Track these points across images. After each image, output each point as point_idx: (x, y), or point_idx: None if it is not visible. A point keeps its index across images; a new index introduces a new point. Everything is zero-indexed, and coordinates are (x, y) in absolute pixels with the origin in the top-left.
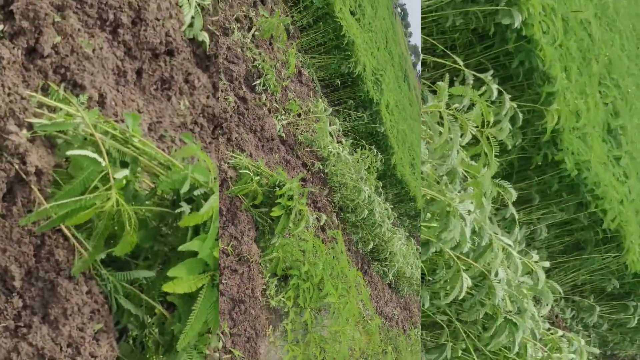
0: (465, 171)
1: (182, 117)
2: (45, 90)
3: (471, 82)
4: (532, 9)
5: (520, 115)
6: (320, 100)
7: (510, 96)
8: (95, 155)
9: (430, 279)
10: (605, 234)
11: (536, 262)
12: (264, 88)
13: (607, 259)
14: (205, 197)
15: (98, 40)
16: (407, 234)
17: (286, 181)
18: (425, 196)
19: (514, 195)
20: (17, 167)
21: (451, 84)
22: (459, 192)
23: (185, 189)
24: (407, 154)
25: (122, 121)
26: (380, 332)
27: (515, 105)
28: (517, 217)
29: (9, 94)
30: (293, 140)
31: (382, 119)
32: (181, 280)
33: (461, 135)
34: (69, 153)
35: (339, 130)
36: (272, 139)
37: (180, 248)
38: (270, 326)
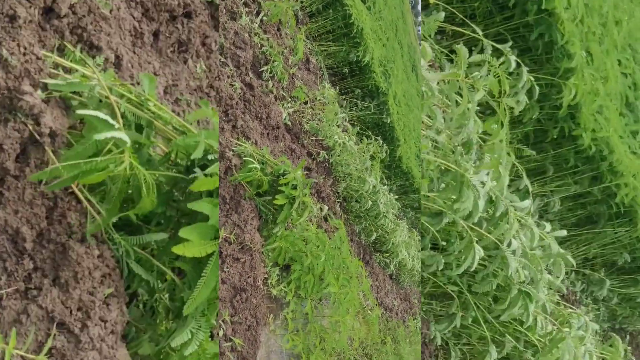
0: (482, 140)
1: (198, 80)
2: (61, 51)
3: (490, 52)
4: None
5: (537, 88)
6: (327, 88)
7: (528, 69)
8: (108, 117)
9: (444, 245)
10: (619, 208)
11: (548, 232)
12: (271, 75)
13: (620, 232)
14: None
15: (116, 0)
16: (410, 225)
17: (290, 170)
18: (439, 166)
19: (533, 153)
20: (31, 127)
21: (469, 53)
22: (474, 163)
23: (198, 154)
24: (413, 146)
25: (138, 83)
26: (380, 323)
27: (533, 78)
28: (530, 188)
29: (24, 54)
30: (299, 129)
31: (390, 109)
32: (192, 244)
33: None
34: (80, 112)
35: (345, 119)
36: (277, 127)
37: (190, 205)
38: (271, 315)
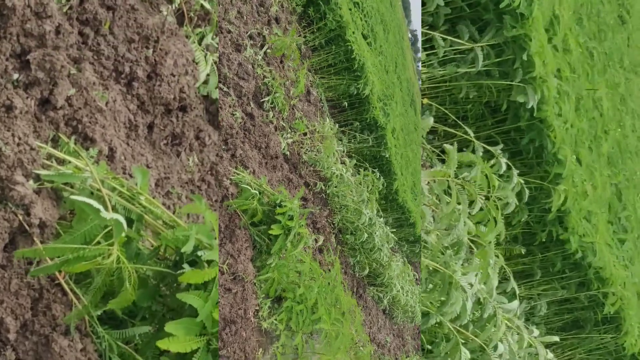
0: (471, 241)
1: (190, 173)
2: (55, 142)
3: (481, 153)
4: (546, 90)
5: (527, 191)
6: (327, 119)
7: (518, 171)
8: (100, 207)
9: (429, 348)
10: (605, 314)
11: (536, 337)
12: (272, 105)
13: (605, 339)
14: (209, 259)
15: (112, 92)
16: (405, 259)
17: (287, 201)
18: (428, 266)
19: (523, 250)
20: (21, 218)
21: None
22: (463, 263)
23: (188, 249)
24: (409, 179)
25: (131, 175)
26: None
27: (523, 181)
28: (518, 291)
29: (18, 144)
30: (297, 159)
31: (387, 143)
32: (177, 339)
33: (470, 204)
34: (73, 198)
35: (344, 151)
36: (276, 156)
37: (179, 295)
38: (260, 349)
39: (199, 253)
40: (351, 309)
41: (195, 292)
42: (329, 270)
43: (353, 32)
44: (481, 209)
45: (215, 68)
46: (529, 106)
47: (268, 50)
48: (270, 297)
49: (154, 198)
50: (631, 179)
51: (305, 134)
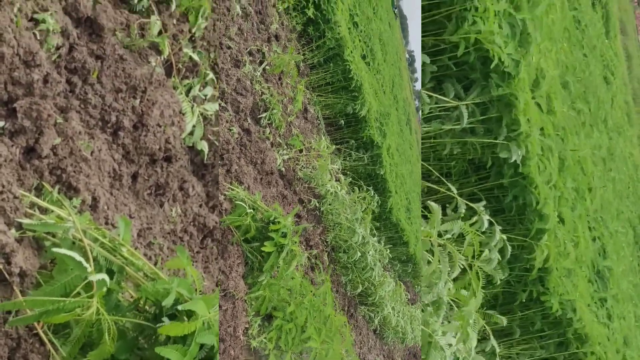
0: (452, 300)
1: (173, 224)
2: (39, 190)
3: (463, 210)
4: (530, 146)
5: (510, 248)
6: (323, 137)
7: (500, 228)
8: (82, 259)
9: None
10: None
11: None
12: (269, 122)
13: None
14: (189, 313)
15: (97, 142)
16: (397, 279)
17: (281, 217)
18: None
19: (504, 320)
20: (1, 266)
21: (443, 211)
22: (443, 322)
23: (168, 302)
24: (403, 198)
25: (113, 225)
26: None
27: (505, 238)
28: (497, 350)
29: (1, 192)
30: (292, 176)
31: (383, 162)
32: None
33: (450, 268)
34: (55, 250)
35: (339, 169)
36: (271, 172)
37: (157, 349)
38: None
39: (179, 307)
40: (341, 328)
41: (174, 345)
42: (319, 289)
43: (351, 52)
44: (464, 270)
45: (202, 119)
46: (512, 160)
47: (267, 67)
48: (260, 315)
49: (135, 249)
50: (614, 235)
51: (301, 151)
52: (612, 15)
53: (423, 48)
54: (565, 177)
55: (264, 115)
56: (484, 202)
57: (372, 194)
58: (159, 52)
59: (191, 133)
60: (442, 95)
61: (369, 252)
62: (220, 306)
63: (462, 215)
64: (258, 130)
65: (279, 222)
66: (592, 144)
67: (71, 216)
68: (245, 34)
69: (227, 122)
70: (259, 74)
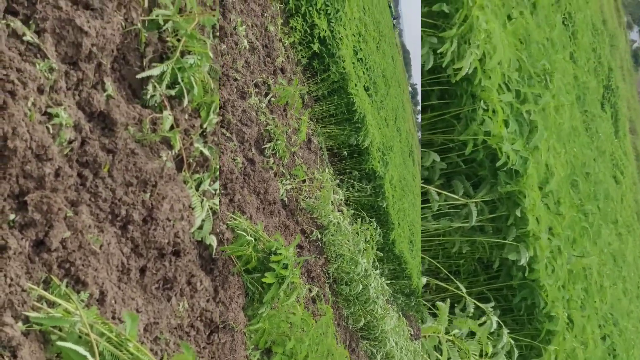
0: None
1: (180, 319)
2: (47, 284)
3: (472, 310)
4: (539, 249)
5: (517, 351)
6: (326, 169)
7: (509, 330)
8: (88, 354)
9: None
10: None
11: None
12: (273, 152)
13: None
14: None
15: (107, 235)
16: (400, 313)
17: (282, 248)
18: None
19: None
20: None
21: (452, 309)
22: None
23: None
24: (406, 230)
25: (120, 320)
26: None
27: (513, 342)
28: None
29: (10, 285)
30: (295, 206)
31: (385, 193)
32: None
33: None
34: (61, 344)
35: (342, 200)
36: (274, 202)
37: None
38: None
39: None
40: None
41: None
42: (321, 322)
43: (355, 85)
44: None
45: (211, 214)
46: (521, 263)
47: (272, 99)
48: (260, 348)
49: (142, 343)
50: (624, 332)
51: (304, 181)
52: (622, 115)
53: (432, 145)
54: (574, 278)
55: (268, 145)
56: (492, 303)
57: (375, 225)
58: (170, 147)
59: (200, 227)
60: (451, 192)
61: (371, 285)
62: (218, 339)
63: (471, 314)
64: (262, 160)
65: (280, 253)
66: (601, 243)
67: (78, 310)
68: (251, 67)
69: (231, 152)
70: (264, 105)
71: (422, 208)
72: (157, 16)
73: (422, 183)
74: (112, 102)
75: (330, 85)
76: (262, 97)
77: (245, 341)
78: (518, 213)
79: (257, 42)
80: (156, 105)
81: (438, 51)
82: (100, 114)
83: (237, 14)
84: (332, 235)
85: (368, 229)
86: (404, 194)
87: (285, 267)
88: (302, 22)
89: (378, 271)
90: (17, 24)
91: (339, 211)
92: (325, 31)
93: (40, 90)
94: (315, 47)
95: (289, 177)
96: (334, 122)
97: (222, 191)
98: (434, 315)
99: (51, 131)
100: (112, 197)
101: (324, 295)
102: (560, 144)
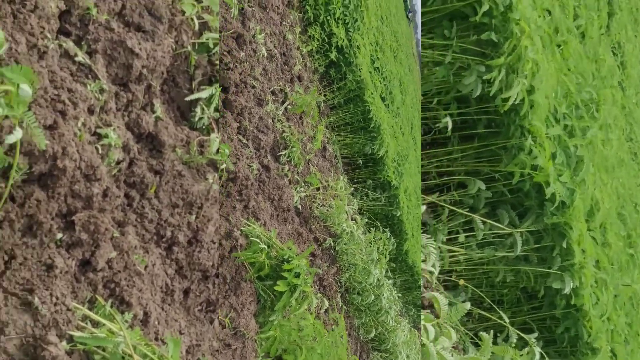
0: None
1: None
2: (92, 303)
3: (515, 340)
4: (584, 278)
5: None
6: (341, 177)
7: None
8: None
9: None
10: None
11: None
12: (288, 159)
13: None
14: None
15: (152, 256)
16: (411, 325)
17: (295, 257)
18: None
19: None
20: None
21: (495, 338)
22: None
23: None
24: (420, 241)
25: (163, 341)
26: None
27: None
28: None
29: (55, 304)
30: (308, 213)
31: (399, 203)
32: None
33: None
34: None
35: (356, 209)
36: (288, 209)
37: None
38: None
39: None
40: None
41: None
42: (333, 329)
43: (372, 93)
44: None
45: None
46: (565, 292)
47: (289, 107)
48: (270, 356)
49: None
50: None
51: (318, 189)
52: None
53: (478, 174)
54: (619, 307)
55: (283, 152)
56: (536, 334)
57: (389, 235)
58: (216, 169)
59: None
60: (496, 221)
61: (383, 295)
62: (229, 344)
63: (514, 344)
64: (277, 167)
65: (292, 262)
66: None
67: (122, 331)
68: (269, 74)
69: (247, 158)
70: (280, 112)
71: (466, 237)
72: (207, 39)
73: (467, 211)
74: (160, 123)
75: (346, 93)
76: (278, 105)
77: (256, 348)
78: (564, 244)
79: (275, 50)
80: (204, 127)
81: (485, 78)
82: (149, 135)
83: (257, 22)
84: (345, 244)
85: (381, 238)
86: (418, 204)
87: (298, 275)
88: (320, 30)
89: (390, 281)
90: (69, 44)
91: (352, 220)
92: (343, 40)
93: (91, 111)
94: (333, 55)
95: (303, 184)
96: (350, 130)
97: (237, 197)
98: (476, 345)
99: (100, 151)
100: (158, 218)
101: (336, 304)
102: (606, 175)
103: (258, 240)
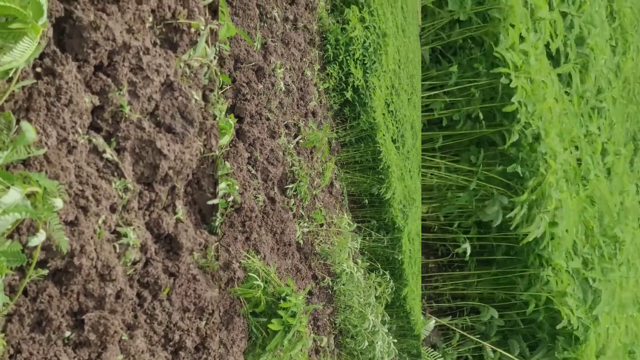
0: None
1: None
2: None
3: None
4: None
5: None
6: (345, 215)
7: None
8: None
9: None
10: None
11: None
12: (295, 193)
13: None
14: None
15: None
16: None
17: (292, 295)
18: None
19: None
20: None
21: None
22: None
23: None
24: (419, 289)
25: None
26: None
27: None
28: None
29: None
30: (309, 250)
31: (402, 247)
32: None
33: None
34: None
35: (358, 249)
36: (289, 244)
37: None
38: None
39: None
40: None
41: None
42: None
43: (383, 135)
44: None
45: None
46: None
47: (301, 141)
48: None
49: None
50: None
51: (322, 225)
52: None
53: (492, 301)
54: None
55: (290, 186)
56: None
57: (388, 279)
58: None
59: None
60: (506, 351)
61: (377, 343)
62: None
63: None
64: (283, 200)
65: (289, 300)
66: None
67: None
68: (285, 108)
69: (254, 189)
70: (292, 146)
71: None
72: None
73: (478, 338)
74: (180, 225)
75: (358, 133)
76: (291, 138)
77: None
78: None
79: (293, 85)
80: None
81: (507, 216)
82: (168, 237)
83: (278, 56)
84: (343, 284)
85: (381, 284)
86: (420, 248)
87: (294, 315)
88: (338, 69)
89: (386, 327)
90: (99, 140)
91: (353, 260)
92: (360, 80)
93: (113, 209)
94: (349, 94)
95: (307, 219)
96: (358, 169)
97: (240, 228)
98: None
99: (117, 250)
100: (167, 321)
101: (329, 347)
102: (621, 313)
103: (255, 276)
